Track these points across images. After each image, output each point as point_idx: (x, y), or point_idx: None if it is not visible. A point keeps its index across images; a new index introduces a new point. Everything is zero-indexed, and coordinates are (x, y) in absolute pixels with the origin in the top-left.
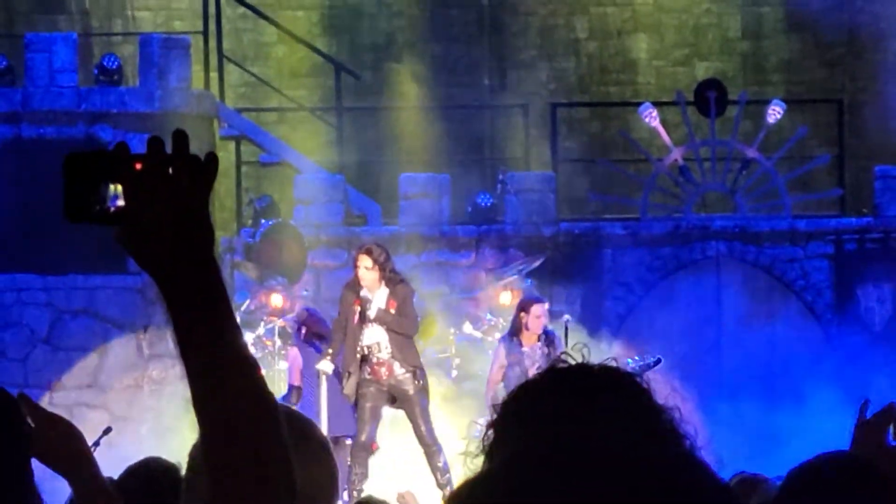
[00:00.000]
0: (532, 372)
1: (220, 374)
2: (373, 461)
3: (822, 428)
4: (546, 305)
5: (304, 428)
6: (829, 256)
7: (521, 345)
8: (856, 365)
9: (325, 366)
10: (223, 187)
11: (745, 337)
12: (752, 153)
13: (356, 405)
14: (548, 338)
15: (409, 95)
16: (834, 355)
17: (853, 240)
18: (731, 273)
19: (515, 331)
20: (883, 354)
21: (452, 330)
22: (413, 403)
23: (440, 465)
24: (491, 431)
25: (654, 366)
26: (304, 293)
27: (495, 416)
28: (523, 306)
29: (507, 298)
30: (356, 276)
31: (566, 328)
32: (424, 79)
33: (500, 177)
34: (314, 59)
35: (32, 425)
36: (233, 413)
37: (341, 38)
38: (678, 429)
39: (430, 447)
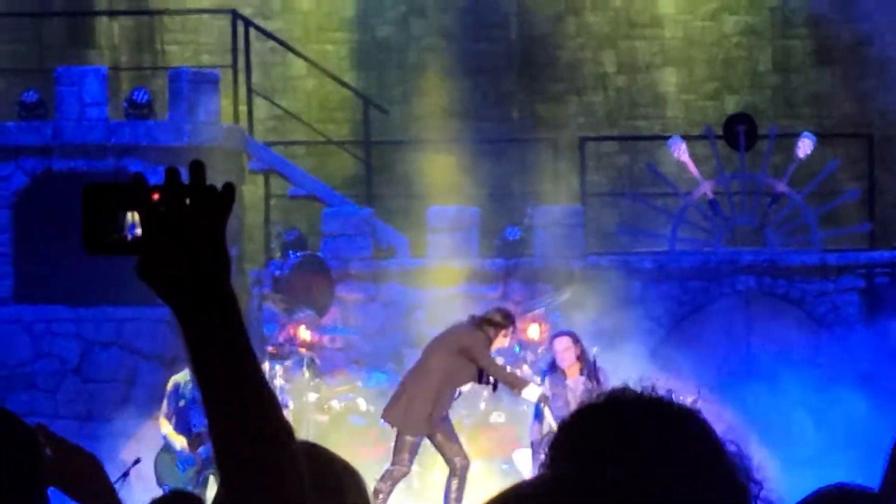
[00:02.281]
0: (573, 406)
1: (236, 403)
2: None
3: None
4: (567, 339)
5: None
6: (860, 290)
7: (564, 377)
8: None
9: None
10: (252, 220)
11: (776, 372)
12: (781, 187)
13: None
14: (590, 370)
15: (438, 129)
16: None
17: (884, 273)
18: (760, 307)
19: (554, 364)
20: None
21: None
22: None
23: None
24: (548, 452)
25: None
26: (333, 326)
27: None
28: (550, 341)
29: (536, 332)
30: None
31: (594, 361)
32: (453, 112)
33: (529, 210)
34: (343, 93)
35: (50, 454)
36: (247, 443)
37: (370, 72)
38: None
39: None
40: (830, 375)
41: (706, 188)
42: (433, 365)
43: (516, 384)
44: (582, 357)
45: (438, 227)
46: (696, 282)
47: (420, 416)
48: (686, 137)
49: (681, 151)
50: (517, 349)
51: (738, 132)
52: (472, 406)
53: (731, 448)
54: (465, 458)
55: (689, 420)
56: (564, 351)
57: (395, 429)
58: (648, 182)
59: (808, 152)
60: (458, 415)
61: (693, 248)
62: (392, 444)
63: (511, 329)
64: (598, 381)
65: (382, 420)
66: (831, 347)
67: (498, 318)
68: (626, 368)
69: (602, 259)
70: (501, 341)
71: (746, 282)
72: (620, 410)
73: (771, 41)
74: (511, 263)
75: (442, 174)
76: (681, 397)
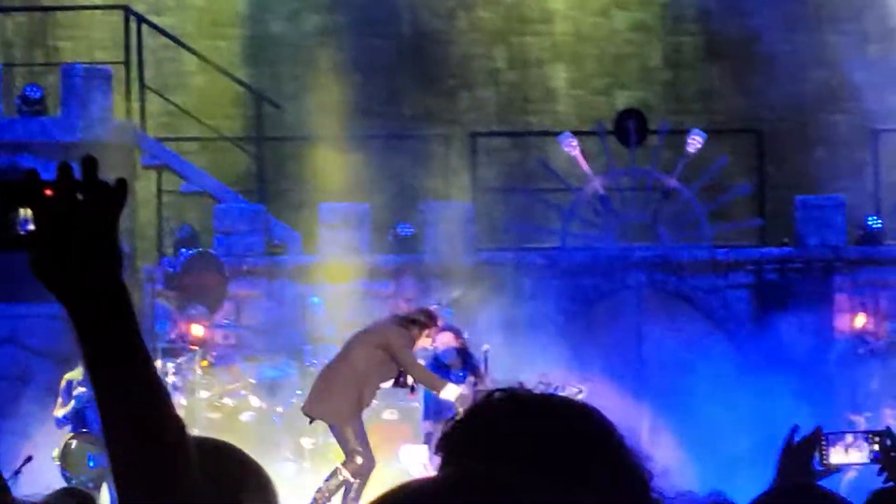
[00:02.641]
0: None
1: (128, 400)
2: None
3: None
4: (450, 334)
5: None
6: (750, 286)
7: (448, 371)
8: (775, 394)
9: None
10: (144, 217)
11: (666, 365)
12: (672, 183)
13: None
14: (473, 366)
15: (330, 125)
16: (754, 385)
17: (774, 269)
18: (652, 303)
19: (437, 359)
20: (803, 385)
21: None
22: None
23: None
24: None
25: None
26: (225, 323)
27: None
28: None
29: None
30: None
31: (486, 358)
32: (345, 108)
33: (421, 206)
34: (235, 89)
35: None
36: (138, 440)
37: (262, 68)
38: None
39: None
40: (720, 371)
41: (597, 184)
42: (354, 357)
43: (435, 385)
44: (463, 352)
45: (330, 223)
46: (587, 277)
47: (343, 404)
48: (577, 133)
49: (571, 147)
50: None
51: (629, 128)
52: None
53: (626, 442)
54: (372, 459)
55: (584, 417)
56: (447, 346)
57: (323, 422)
58: (539, 177)
59: (699, 148)
60: None
61: (584, 244)
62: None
63: (435, 329)
64: (480, 376)
65: (306, 415)
66: (721, 343)
67: (422, 318)
68: (519, 364)
69: (494, 255)
70: (424, 341)
71: (638, 277)
72: (514, 408)
73: (661, 37)
74: (403, 260)
75: (334, 170)
76: (572, 391)
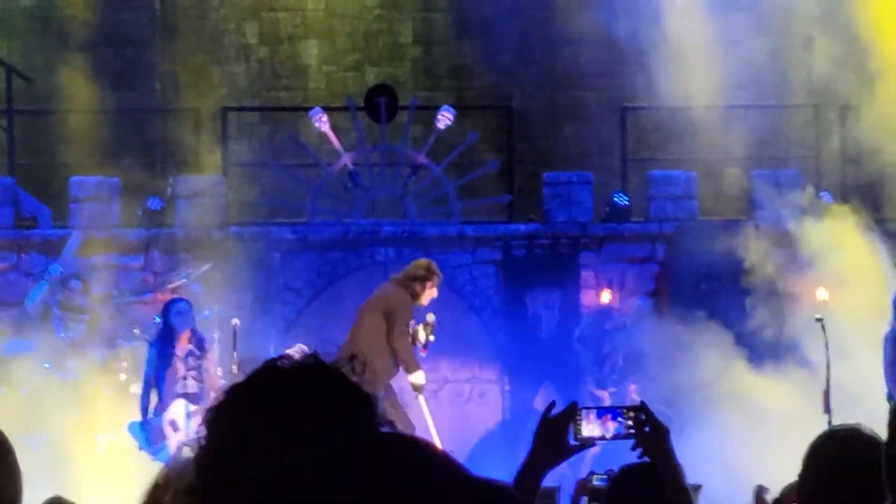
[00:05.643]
0: (182, 373)
1: None
2: None
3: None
4: (184, 305)
5: None
6: (497, 262)
7: (174, 345)
8: (524, 370)
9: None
10: None
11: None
12: (421, 159)
13: None
14: (198, 339)
15: (81, 99)
16: (502, 360)
17: (521, 246)
18: None
19: (166, 331)
20: (550, 360)
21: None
22: None
23: None
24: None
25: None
26: None
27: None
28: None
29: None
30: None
31: (235, 332)
32: (96, 82)
33: (171, 180)
34: None
35: None
36: None
37: (13, 40)
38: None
39: None
40: (467, 345)
41: (347, 159)
42: (364, 326)
43: (409, 365)
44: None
45: (80, 196)
46: (336, 252)
47: (367, 377)
48: (327, 109)
49: (322, 123)
50: (157, 319)
51: (379, 104)
52: None
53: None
54: (414, 428)
55: (340, 394)
56: (181, 317)
57: None
58: (290, 153)
59: (448, 124)
60: None
61: (333, 219)
62: None
63: (437, 278)
64: (204, 350)
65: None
66: (469, 318)
67: (421, 271)
68: (267, 339)
69: (244, 230)
70: (431, 293)
71: (386, 253)
72: (267, 390)
73: (412, 14)
74: (153, 233)
75: (84, 144)
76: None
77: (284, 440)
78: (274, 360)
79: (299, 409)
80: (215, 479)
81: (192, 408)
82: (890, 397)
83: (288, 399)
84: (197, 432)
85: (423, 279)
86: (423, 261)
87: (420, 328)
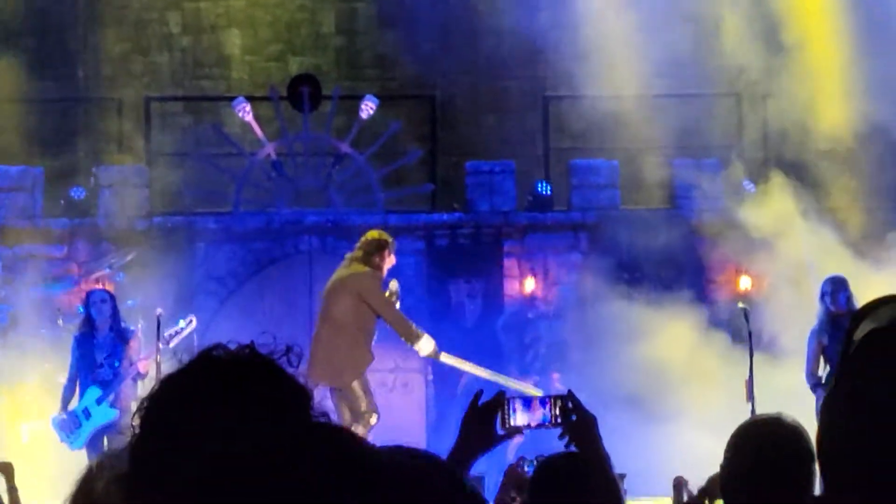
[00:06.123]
0: (99, 361)
1: None
2: None
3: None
4: (104, 293)
5: None
6: (421, 251)
7: (94, 334)
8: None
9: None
10: None
11: None
12: (345, 148)
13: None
14: (118, 329)
15: (4, 87)
16: None
17: (444, 235)
18: (324, 268)
19: (89, 319)
20: (473, 349)
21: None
22: None
23: None
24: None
25: (188, 327)
26: None
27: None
28: (87, 296)
29: None
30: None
31: (158, 322)
32: (19, 71)
33: (94, 170)
34: None
35: None
36: None
37: None
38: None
39: None
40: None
41: (270, 149)
42: (338, 313)
43: (410, 335)
44: (115, 315)
45: (3, 186)
46: (260, 242)
47: (345, 365)
48: (251, 98)
49: (245, 112)
50: (81, 309)
51: (303, 93)
52: None
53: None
54: (378, 414)
55: (273, 386)
56: (99, 307)
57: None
58: (213, 143)
59: (371, 113)
60: None
61: (257, 209)
62: None
63: (392, 244)
64: (126, 340)
65: (311, 384)
66: None
67: (374, 243)
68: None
69: (167, 219)
70: (391, 260)
71: (310, 242)
72: (200, 382)
73: (334, 3)
74: (76, 223)
75: (7, 133)
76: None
77: (215, 432)
78: (209, 350)
79: (231, 402)
80: (147, 469)
81: (111, 397)
82: (814, 388)
83: (220, 391)
84: (132, 422)
85: (380, 249)
86: (372, 232)
87: (386, 294)
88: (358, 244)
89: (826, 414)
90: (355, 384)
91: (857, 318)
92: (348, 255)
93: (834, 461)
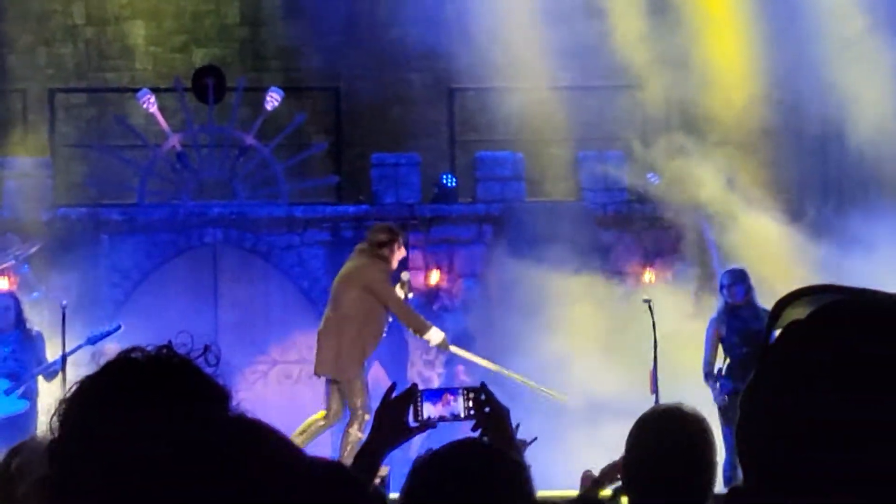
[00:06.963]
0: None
1: None
2: None
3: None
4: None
5: None
6: (326, 243)
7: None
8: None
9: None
10: None
11: (242, 324)
12: (249, 140)
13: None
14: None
15: None
16: None
17: (350, 227)
18: (229, 260)
19: None
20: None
21: None
22: None
23: None
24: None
25: (115, 332)
26: None
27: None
28: None
29: (5, 285)
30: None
31: (63, 313)
32: None
33: None
34: None
35: None
36: None
37: None
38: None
39: None
40: (296, 326)
41: (175, 141)
42: (346, 306)
43: (419, 326)
44: (19, 318)
45: None
46: (164, 234)
47: (352, 357)
48: (155, 90)
49: (149, 104)
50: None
51: (207, 85)
52: None
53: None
54: (370, 414)
55: (189, 387)
56: (3, 312)
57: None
58: (118, 134)
59: (276, 105)
60: None
61: (162, 201)
62: None
63: (401, 235)
64: (31, 338)
65: (318, 376)
66: (297, 299)
67: (383, 236)
68: (97, 321)
69: (71, 211)
70: (400, 253)
71: (214, 234)
72: (117, 383)
73: None
74: None
75: None
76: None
77: (134, 434)
78: (127, 351)
79: (148, 403)
80: (66, 471)
81: (19, 391)
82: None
83: (139, 393)
84: (50, 423)
85: (390, 242)
86: (380, 225)
87: (397, 288)
88: (366, 236)
89: (747, 404)
90: (357, 381)
91: (777, 308)
92: (357, 248)
93: (756, 453)
